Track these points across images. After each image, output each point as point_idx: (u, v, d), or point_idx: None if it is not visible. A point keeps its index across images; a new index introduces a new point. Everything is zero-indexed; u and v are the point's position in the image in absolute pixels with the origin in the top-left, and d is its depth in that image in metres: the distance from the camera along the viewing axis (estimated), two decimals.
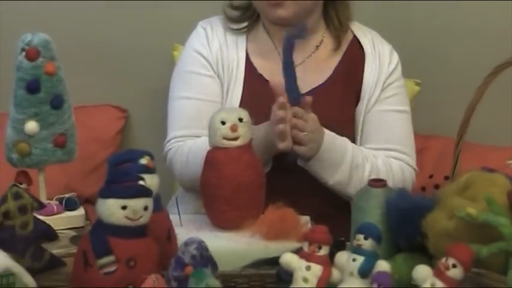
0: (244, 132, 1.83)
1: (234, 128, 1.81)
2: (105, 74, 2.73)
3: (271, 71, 2.13)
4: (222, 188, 1.81)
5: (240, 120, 1.82)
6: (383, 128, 2.11)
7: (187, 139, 2.10)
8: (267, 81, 2.10)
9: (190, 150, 2.06)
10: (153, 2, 2.69)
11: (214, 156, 1.83)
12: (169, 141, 2.15)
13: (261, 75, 2.15)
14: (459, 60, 2.61)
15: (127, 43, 2.72)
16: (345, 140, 2.06)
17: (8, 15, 2.68)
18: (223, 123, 1.82)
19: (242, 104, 2.09)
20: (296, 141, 1.94)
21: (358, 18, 2.23)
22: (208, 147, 1.88)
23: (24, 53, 1.80)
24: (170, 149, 2.15)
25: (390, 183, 1.97)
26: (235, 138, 1.82)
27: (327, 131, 2.00)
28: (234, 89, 2.13)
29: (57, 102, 1.84)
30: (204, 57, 2.16)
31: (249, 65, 2.16)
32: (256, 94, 2.10)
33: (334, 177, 2.02)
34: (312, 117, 1.95)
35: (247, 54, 2.17)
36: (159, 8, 2.69)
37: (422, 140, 2.60)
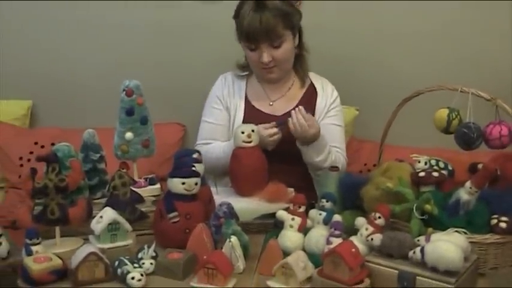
0: (255, 138, 1.82)
1: (249, 135, 1.81)
2: (172, 103, 2.71)
3: (260, 103, 2.10)
4: (242, 172, 1.80)
5: (253, 131, 1.82)
6: (328, 134, 2.05)
7: (204, 145, 2.06)
8: (258, 109, 2.08)
9: (207, 151, 2.02)
10: (195, 58, 2.64)
11: (238, 153, 1.82)
12: (196, 145, 2.13)
13: (253, 106, 2.10)
14: (382, 95, 2.57)
15: (184, 83, 2.67)
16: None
17: (111, 65, 2.66)
18: (242, 132, 1.81)
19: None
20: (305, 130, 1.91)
21: (317, 69, 2.19)
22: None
23: (124, 91, 1.80)
24: None
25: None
26: (250, 142, 1.81)
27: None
28: (237, 115, 2.09)
29: (144, 121, 1.83)
30: (218, 97, 2.12)
31: (247, 101, 2.12)
32: (251, 117, 2.05)
33: (320, 156, 1.96)
34: (312, 117, 1.94)
35: (246, 94, 2.12)
36: (195, 62, 2.65)
37: (360, 143, 2.58)
